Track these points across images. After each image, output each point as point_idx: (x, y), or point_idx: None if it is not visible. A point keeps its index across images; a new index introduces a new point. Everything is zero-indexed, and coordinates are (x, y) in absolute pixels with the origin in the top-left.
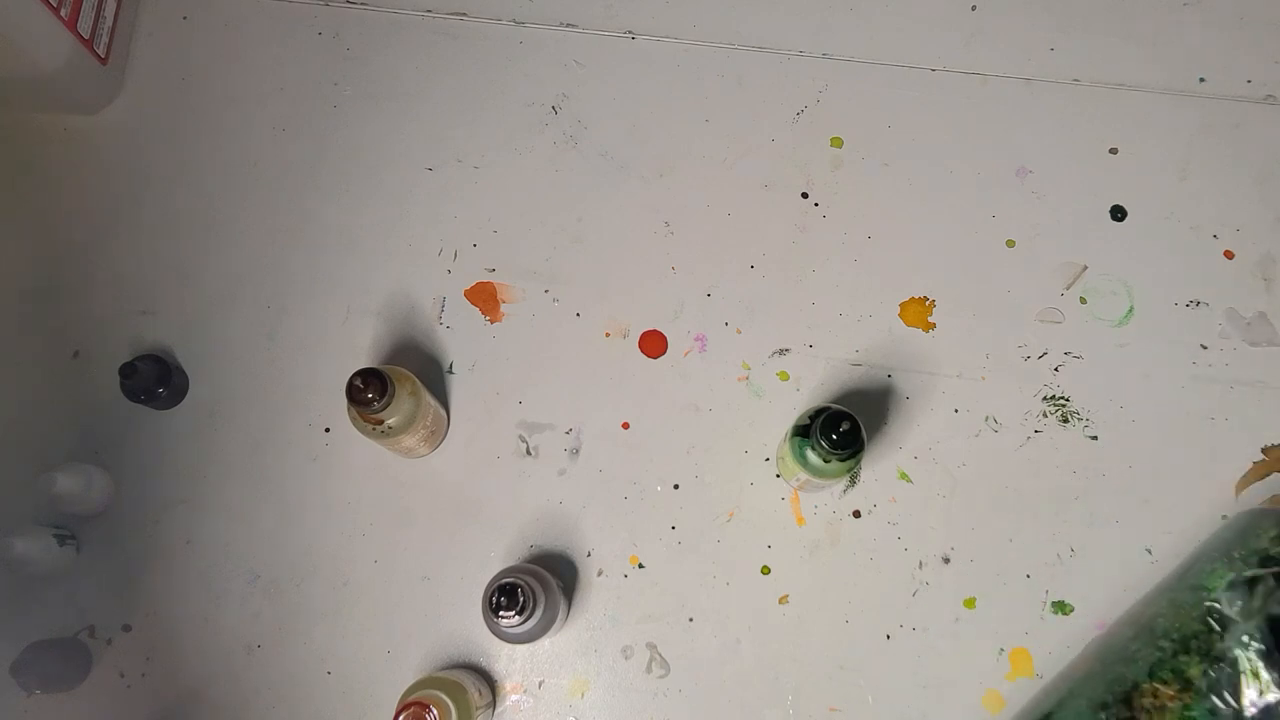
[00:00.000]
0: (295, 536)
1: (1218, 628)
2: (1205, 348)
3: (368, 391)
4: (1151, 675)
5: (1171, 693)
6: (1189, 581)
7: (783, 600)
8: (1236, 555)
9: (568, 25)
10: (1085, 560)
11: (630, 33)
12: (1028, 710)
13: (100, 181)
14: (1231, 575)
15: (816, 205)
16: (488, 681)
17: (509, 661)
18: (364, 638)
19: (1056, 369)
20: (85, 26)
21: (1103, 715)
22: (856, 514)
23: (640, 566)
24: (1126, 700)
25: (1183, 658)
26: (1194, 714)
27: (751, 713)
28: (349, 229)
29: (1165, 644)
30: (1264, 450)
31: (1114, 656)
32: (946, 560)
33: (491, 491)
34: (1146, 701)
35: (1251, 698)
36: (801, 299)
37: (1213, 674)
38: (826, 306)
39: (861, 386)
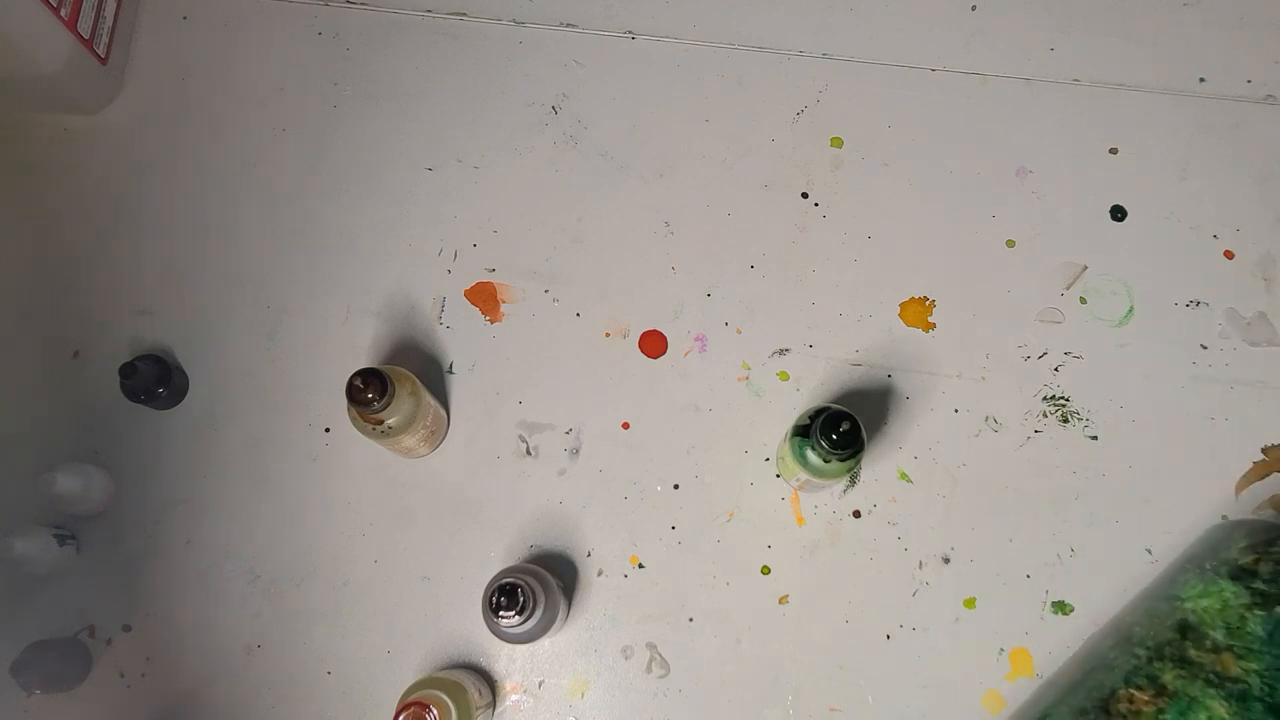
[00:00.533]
0: (295, 536)
1: (1190, 635)
2: (1205, 348)
3: (368, 391)
4: (1127, 682)
5: (1146, 698)
6: (1164, 591)
7: (783, 600)
8: (1208, 566)
9: (568, 25)
10: (1085, 560)
11: (630, 33)
12: (1016, 718)
13: (100, 181)
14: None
15: (816, 205)
16: (488, 681)
17: (509, 661)
18: (364, 638)
19: (1056, 369)
20: (85, 26)
21: None
22: (856, 514)
23: (640, 566)
24: (1104, 706)
25: (1156, 664)
26: (1167, 718)
27: (751, 713)
28: (349, 229)
29: (1140, 651)
30: (1264, 450)
31: (1094, 664)
32: (946, 560)
33: (491, 491)
34: (1123, 707)
35: None
36: (801, 299)
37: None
38: (826, 306)
39: (861, 386)
